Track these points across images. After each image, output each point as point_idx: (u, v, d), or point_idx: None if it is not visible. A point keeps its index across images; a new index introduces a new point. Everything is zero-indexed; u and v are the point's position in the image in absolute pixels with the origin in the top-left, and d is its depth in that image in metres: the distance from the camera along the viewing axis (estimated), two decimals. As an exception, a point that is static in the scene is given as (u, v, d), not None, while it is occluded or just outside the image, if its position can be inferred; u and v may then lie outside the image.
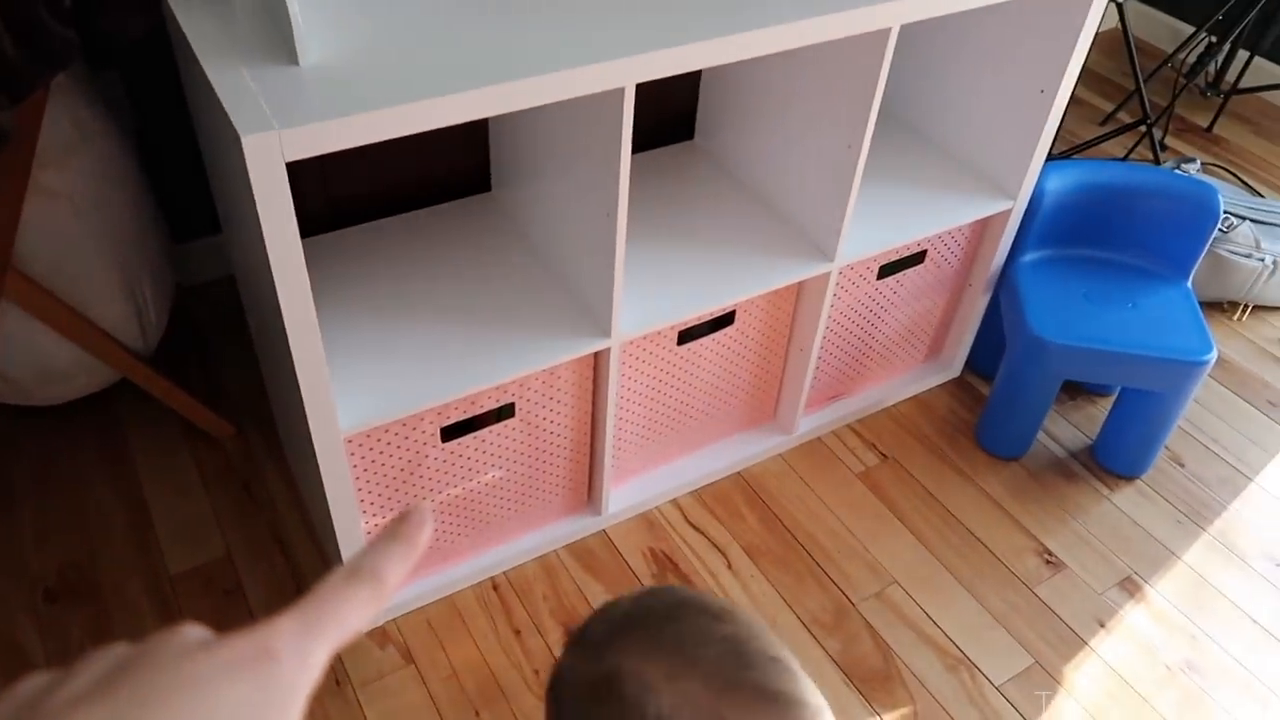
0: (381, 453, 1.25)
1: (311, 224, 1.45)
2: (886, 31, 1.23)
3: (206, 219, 1.79)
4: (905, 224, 1.55)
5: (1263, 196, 2.39)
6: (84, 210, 1.33)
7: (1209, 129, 2.74)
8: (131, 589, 1.45)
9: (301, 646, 0.31)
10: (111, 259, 1.39)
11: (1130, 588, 1.58)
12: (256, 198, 0.91)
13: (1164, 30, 3.02)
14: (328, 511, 1.24)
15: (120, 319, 1.44)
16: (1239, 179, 2.51)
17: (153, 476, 1.60)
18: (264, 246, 0.96)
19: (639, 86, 1.08)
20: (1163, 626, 1.52)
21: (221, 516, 1.55)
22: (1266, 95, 2.79)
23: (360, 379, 1.22)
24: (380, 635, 1.42)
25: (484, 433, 1.33)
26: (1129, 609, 1.55)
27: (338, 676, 1.36)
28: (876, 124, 1.34)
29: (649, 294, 1.38)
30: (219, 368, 1.78)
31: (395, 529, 0.37)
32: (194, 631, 0.31)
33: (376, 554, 0.36)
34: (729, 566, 1.55)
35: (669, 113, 1.71)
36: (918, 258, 1.64)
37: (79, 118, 1.30)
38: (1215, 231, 1.72)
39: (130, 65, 1.57)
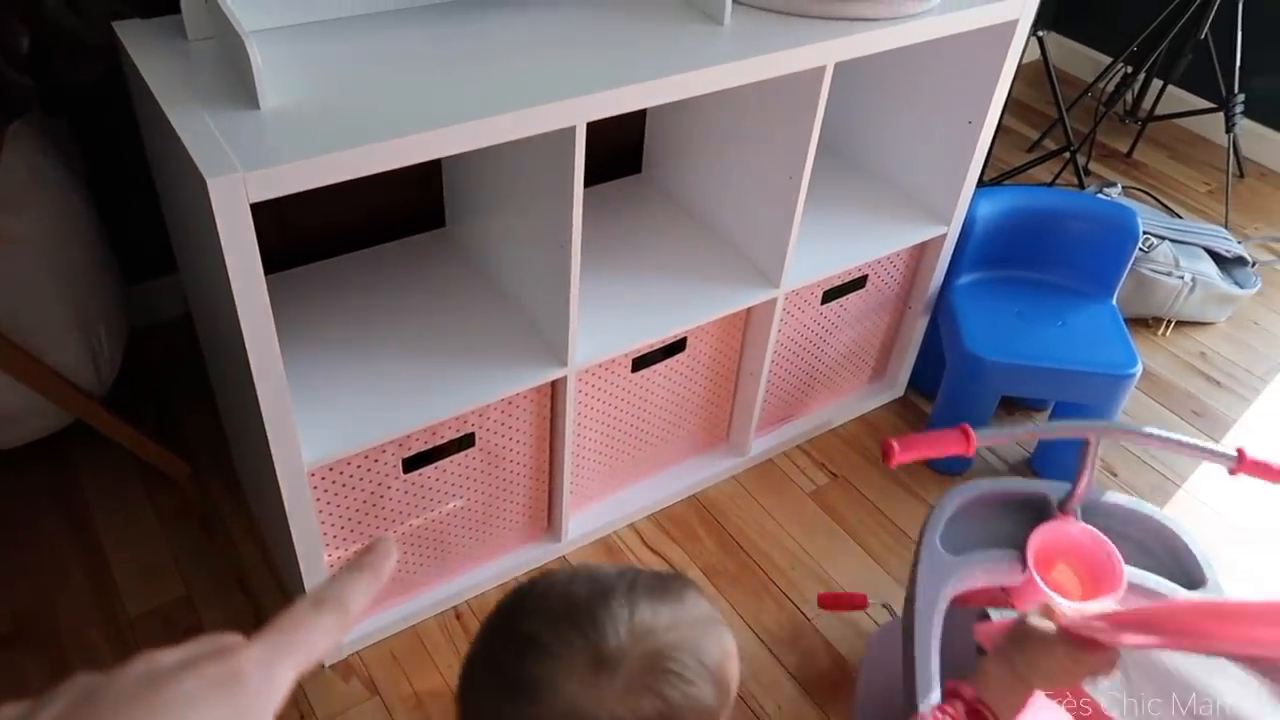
0: (344, 485, 1.27)
1: (269, 262, 1.47)
2: (822, 69, 1.30)
3: (157, 260, 1.80)
4: (846, 251, 1.62)
5: (1180, 217, 2.52)
6: (40, 254, 1.33)
7: (1129, 154, 2.88)
8: (90, 632, 1.43)
9: (268, 670, 0.33)
10: (68, 302, 1.40)
11: (1071, 593, 1.64)
12: (222, 239, 0.94)
13: (1084, 61, 3.17)
14: (291, 546, 1.25)
15: (75, 362, 1.44)
16: (1158, 201, 2.64)
17: (108, 518, 1.59)
18: (229, 286, 0.98)
19: (589, 123, 1.13)
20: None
21: (179, 556, 1.55)
22: (1180, 121, 2.95)
23: (322, 413, 1.24)
24: (344, 668, 1.43)
25: (445, 463, 1.35)
26: (1071, 613, 1.61)
27: (302, 711, 1.37)
28: (816, 155, 1.40)
29: (603, 323, 1.43)
30: (174, 407, 1.77)
31: (360, 560, 0.39)
32: (162, 657, 0.32)
33: (341, 583, 0.37)
34: (688, 587, 1.59)
35: (617, 148, 1.77)
36: (859, 283, 1.70)
37: (35, 163, 1.31)
38: (1136, 252, 1.82)
39: (80, 109, 1.58)
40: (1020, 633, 0.83)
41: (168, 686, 0.30)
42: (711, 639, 0.64)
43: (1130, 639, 0.69)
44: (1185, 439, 1.02)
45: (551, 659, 0.59)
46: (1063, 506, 1.13)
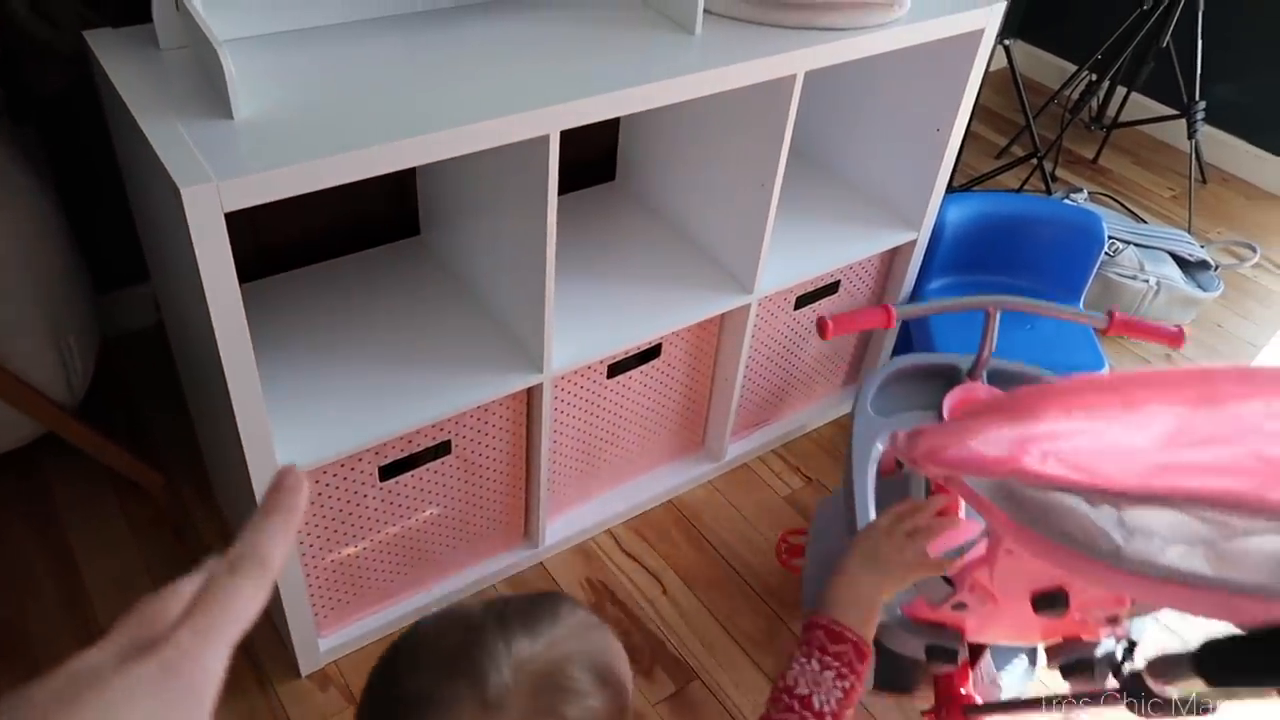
0: (320, 494, 1.27)
1: (243, 271, 1.46)
2: (792, 78, 1.32)
3: (128, 269, 1.79)
4: (819, 257, 1.64)
5: (1145, 222, 2.57)
6: (10, 264, 1.32)
7: (1094, 160, 2.93)
8: (62, 645, 1.42)
9: (199, 655, 0.32)
10: (39, 312, 1.39)
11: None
12: (196, 248, 0.94)
13: (1050, 69, 3.22)
14: (267, 555, 1.24)
15: (47, 373, 1.43)
16: (1123, 206, 2.69)
17: (80, 530, 1.58)
18: (203, 295, 0.98)
19: (562, 132, 1.14)
20: None
21: (153, 567, 1.54)
22: (1144, 128, 3.00)
23: (297, 422, 1.24)
24: (321, 678, 1.42)
25: (421, 470, 1.35)
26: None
27: (279, 721, 1.36)
28: (788, 162, 1.42)
29: (578, 330, 1.43)
30: (146, 417, 1.76)
31: (268, 503, 0.36)
32: (88, 658, 0.31)
33: (253, 537, 0.35)
34: (664, 592, 1.60)
35: (591, 155, 1.78)
36: (832, 288, 1.72)
37: (3, 171, 1.30)
38: (1102, 256, 1.86)
39: (48, 117, 1.57)
40: (856, 546, 0.89)
41: (94, 689, 0.30)
42: (594, 646, 0.64)
43: (978, 450, 0.71)
44: (1061, 306, 1.22)
45: (438, 711, 0.58)
46: (970, 373, 1.34)
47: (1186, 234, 2.33)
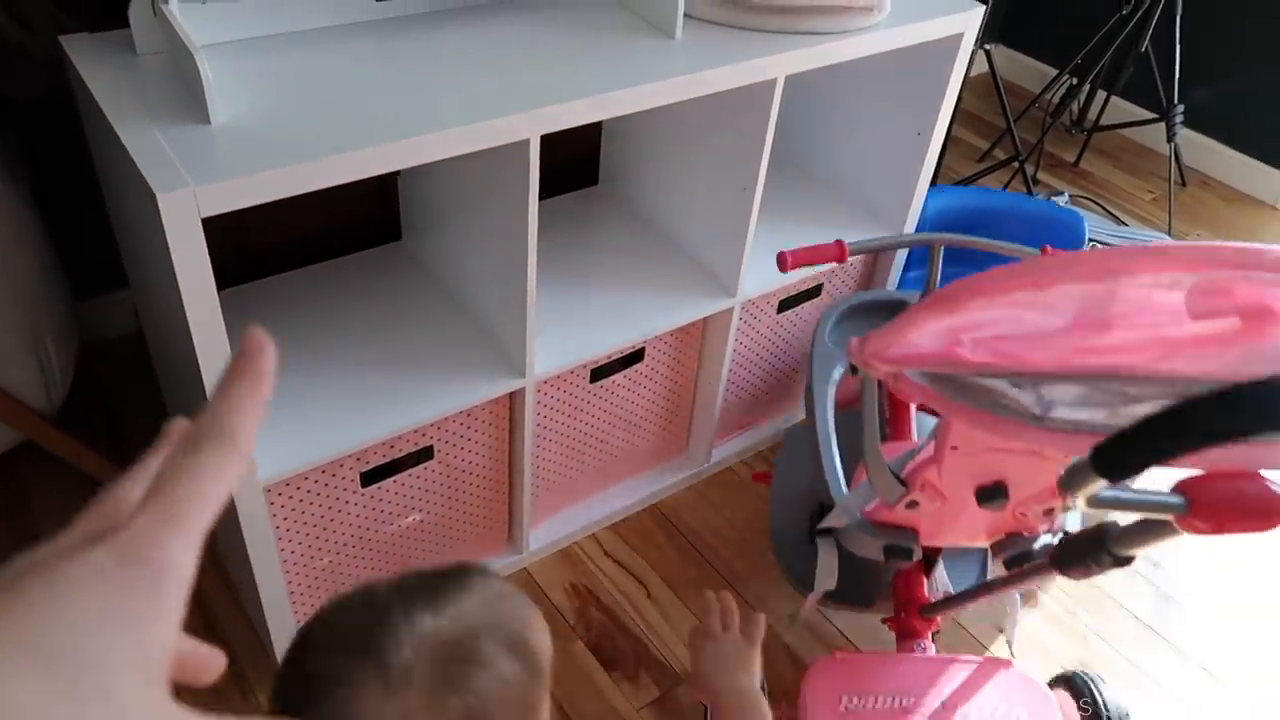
0: (301, 501, 1.26)
1: (223, 277, 1.46)
2: (773, 82, 1.32)
3: (106, 275, 1.77)
4: (801, 260, 1.64)
5: (1126, 224, 2.58)
6: (-15, 270, 1.31)
7: (1076, 163, 2.95)
8: (40, 655, 1.41)
9: (161, 540, 0.28)
10: (16, 319, 1.37)
11: (1025, 594, 1.68)
12: (173, 254, 0.93)
13: (1031, 73, 3.24)
14: (247, 563, 1.24)
15: (25, 380, 1.42)
16: (1104, 209, 2.71)
17: (59, 539, 1.56)
18: (181, 302, 0.97)
19: (544, 136, 1.14)
20: (1055, 628, 1.62)
21: (133, 576, 1.52)
22: (1124, 131, 3.02)
23: (278, 428, 1.23)
24: (303, 686, 1.42)
25: (404, 476, 1.35)
26: (1024, 613, 1.64)
27: (261, 730, 1.35)
28: (770, 166, 1.42)
29: (561, 334, 1.43)
30: (126, 424, 1.75)
31: (232, 369, 0.32)
32: (41, 549, 0.28)
33: (218, 406, 0.31)
34: (649, 596, 1.60)
35: (574, 159, 1.78)
36: (814, 291, 1.73)
37: (-21, 178, 1.29)
38: (1082, 258, 1.87)
39: (26, 122, 1.56)
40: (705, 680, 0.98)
41: (38, 575, 0.25)
42: (503, 616, 0.63)
43: (913, 341, 0.82)
44: (1000, 243, 1.24)
45: (343, 690, 0.57)
46: None
47: (1167, 236, 2.35)
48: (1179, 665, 1.59)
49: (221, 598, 1.51)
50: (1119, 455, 0.65)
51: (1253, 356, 0.67)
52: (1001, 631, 1.58)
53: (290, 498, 1.24)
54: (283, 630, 1.34)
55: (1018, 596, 1.23)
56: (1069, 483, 0.69)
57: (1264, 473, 0.73)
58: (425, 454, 1.35)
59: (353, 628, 0.61)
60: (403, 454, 1.32)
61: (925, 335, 0.81)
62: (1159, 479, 0.73)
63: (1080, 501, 0.70)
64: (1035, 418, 0.78)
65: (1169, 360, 0.72)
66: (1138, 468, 0.65)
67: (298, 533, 1.29)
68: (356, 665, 0.58)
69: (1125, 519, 0.88)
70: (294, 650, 0.63)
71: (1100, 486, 0.68)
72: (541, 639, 0.65)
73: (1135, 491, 0.73)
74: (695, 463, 1.79)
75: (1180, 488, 0.73)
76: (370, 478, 1.31)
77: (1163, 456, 0.63)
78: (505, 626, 0.62)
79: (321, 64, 1.16)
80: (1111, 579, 1.71)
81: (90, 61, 1.10)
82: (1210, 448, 0.62)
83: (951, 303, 0.78)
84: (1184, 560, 1.77)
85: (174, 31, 1.02)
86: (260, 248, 1.55)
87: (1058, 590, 1.68)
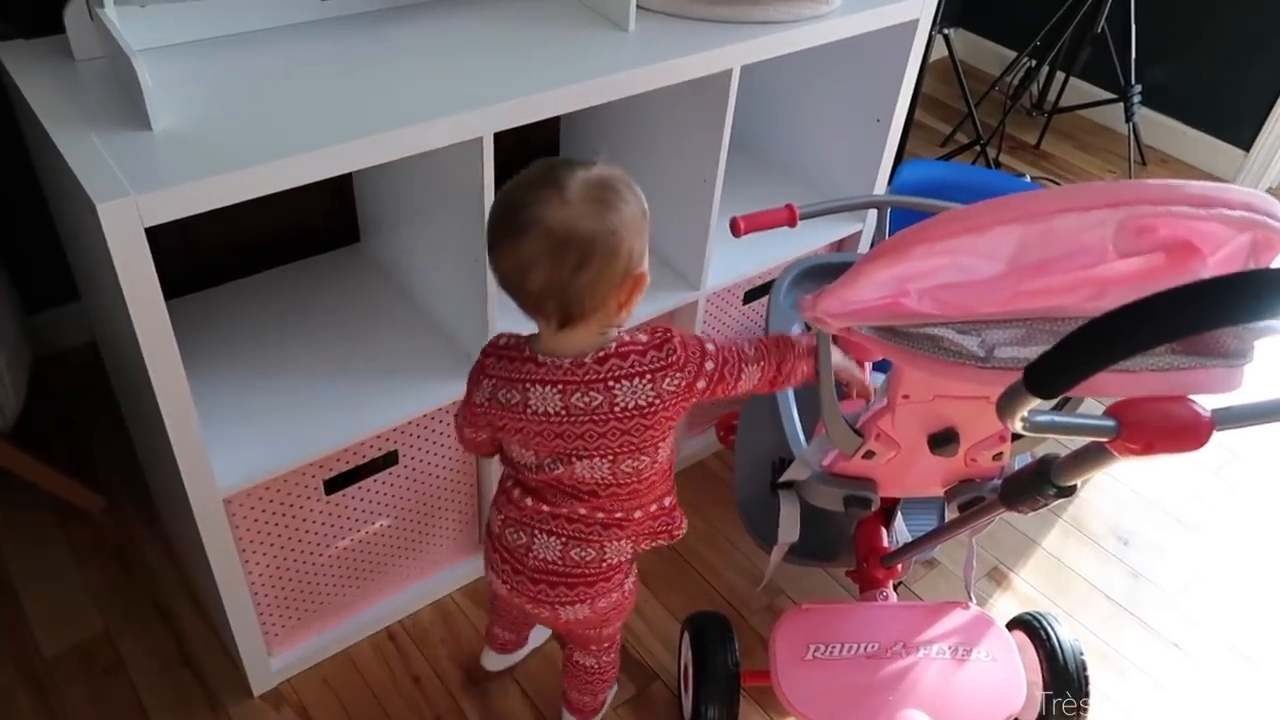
0: (263, 510, 1.24)
1: (176, 286, 1.43)
2: (729, 72, 1.31)
3: (59, 287, 1.74)
4: (765, 251, 1.64)
5: (1088, 205, 2.60)
6: (-72, 286, 1.28)
7: (1037, 145, 2.97)
8: (2, 676, 1.38)
9: None
10: (-39, 335, 1.34)
11: (998, 577, 1.69)
12: (116, 265, 0.91)
13: (991, 56, 3.25)
14: (211, 576, 1.22)
15: (-26, 396, 1.38)
16: (1067, 190, 2.72)
17: (19, 557, 1.53)
18: (127, 313, 0.95)
19: (502, 131, 1.13)
20: (1029, 609, 1.63)
21: (97, 592, 1.50)
22: (1084, 112, 3.04)
23: (236, 438, 1.21)
24: (275, 697, 1.40)
25: (368, 482, 1.33)
26: (998, 596, 1.65)
27: (232, 745, 1.33)
28: (731, 155, 1.42)
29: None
30: (84, 438, 1.71)
31: None
32: None
33: None
34: (623, 593, 1.59)
35: (533, 154, 1.75)
36: (779, 281, 1.72)
37: (-83, 192, 1.26)
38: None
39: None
40: None
41: None
42: (625, 176, 0.96)
43: (867, 295, 0.86)
44: (943, 202, 1.20)
45: (533, 204, 0.90)
46: None
47: (1128, 215, 2.36)
48: (1150, 642, 1.60)
49: (191, 617, 1.49)
50: (1049, 372, 0.68)
51: None
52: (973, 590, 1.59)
53: (251, 507, 1.22)
54: (249, 641, 1.32)
55: (973, 541, 1.27)
56: (1005, 405, 0.71)
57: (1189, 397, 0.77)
58: (390, 459, 1.33)
59: (537, 172, 0.94)
60: (367, 460, 1.30)
61: (872, 287, 0.85)
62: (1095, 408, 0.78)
63: (1018, 425, 0.72)
64: (980, 359, 0.83)
65: (1100, 299, 0.78)
66: (1066, 382, 0.68)
67: (260, 541, 1.27)
68: (541, 188, 0.91)
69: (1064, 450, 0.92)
70: (500, 199, 0.95)
71: (1034, 406, 0.70)
72: (645, 202, 0.97)
73: (1069, 416, 0.76)
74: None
75: (1111, 411, 0.76)
76: (334, 485, 1.29)
77: (1087, 368, 0.66)
78: (627, 180, 0.96)
79: (267, 66, 1.14)
80: (1083, 560, 1.73)
81: (26, 68, 1.07)
82: (1130, 355, 0.66)
83: (895, 253, 0.82)
84: (1153, 538, 1.78)
85: (111, 36, 1.00)
86: (214, 254, 1.53)
87: (1030, 570, 1.69)
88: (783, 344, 1.10)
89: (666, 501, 1.13)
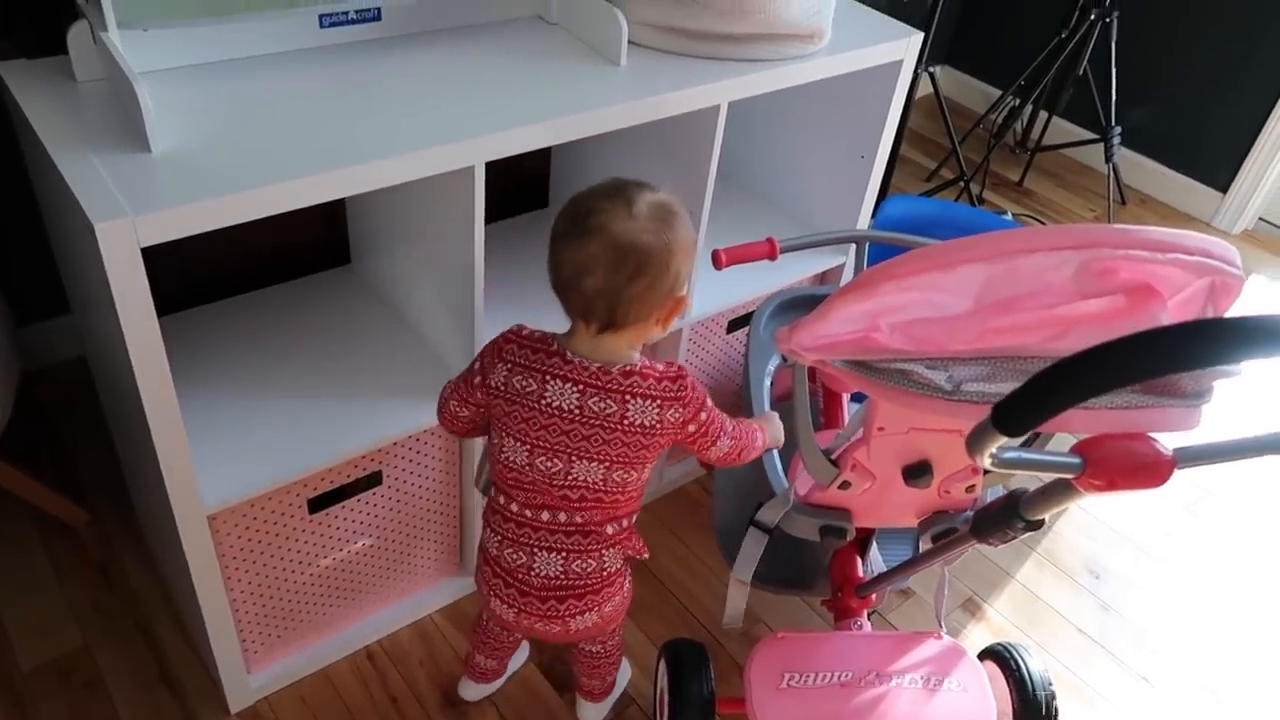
0: (247, 529, 1.25)
1: (169, 303, 1.44)
2: (716, 108, 1.34)
3: (50, 301, 1.75)
4: (750, 281, 1.66)
5: (1068, 242, 2.65)
6: (-80, 299, 1.29)
7: (1020, 183, 3.02)
8: (-22, 690, 1.38)
9: None
10: (-49, 347, 1.35)
11: (972, 607, 1.71)
12: (112, 284, 0.93)
13: (977, 94, 3.32)
14: (193, 593, 1.22)
15: (-39, 408, 1.39)
16: (1048, 227, 2.77)
17: (1, 571, 1.53)
18: (120, 330, 0.97)
19: (493, 161, 1.15)
20: (1001, 640, 1.65)
21: (78, 607, 1.50)
22: (1066, 151, 3.10)
23: (222, 456, 1.22)
24: (252, 715, 1.40)
25: (352, 502, 1.34)
26: (971, 627, 1.67)
27: (208, 762, 1.33)
28: (717, 189, 1.45)
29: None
30: (70, 453, 1.72)
31: None
32: None
33: None
34: (602, 617, 1.60)
35: (524, 182, 1.79)
36: (763, 311, 1.75)
37: (-86, 205, 1.27)
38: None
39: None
40: None
41: None
42: (680, 206, 1.03)
43: (841, 326, 0.88)
44: (920, 238, 1.23)
45: (605, 213, 0.98)
46: None
47: (1106, 254, 2.41)
48: (1119, 674, 1.62)
49: (171, 634, 1.49)
50: (1016, 411, 0.70)
51: (1137, 330, 0.73)
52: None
53: (235, 525, 1.23)
54: (229, 658, 1.32)
55: (945, 571, 1.30)
56: (974, 442, 0.74)
57: (1153, 435, 0.79)
58: (374, 479, 1.35)
59: (610, 186, 1.01)
60: (351, 479, 1.32)
61: (843, 322, 0.88)
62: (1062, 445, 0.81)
63: (987, 461, 0.74)
64: (947, 393, 0.87)
65: (1063, 339, 0.81)
66: (1032, 420, 0.70)
67: (243, 558, 1.28)
68: (612, 200, 0.99)
69: (1033, 485, 0.95)
70: (569, 205, 1.01)
71: (1002, 444, 0.72)
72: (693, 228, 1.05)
73: (1036, 452, 0.78)
74: (649, 482, 1.80)
75: (1077, 448, 0.79)
76: (318, 504, 1.30)
77: (1053, 408, 0.69)
78: (683, 209, 1.03)
79: (265, 91, 1.16)
80: (1055, 593, 1.75)
81: (28, 88, 1.09)
82: (1090, 397, 0.68)
83: (864, 288, 0.86)
84: (1125, 571, 1.81)
85: (113, 58, 1.02)
86: (207, 272, 1.54)
87: (1004, 602, 1.72)
88: (749, 434, 1.20)
89: (626, 523, 1.17)
